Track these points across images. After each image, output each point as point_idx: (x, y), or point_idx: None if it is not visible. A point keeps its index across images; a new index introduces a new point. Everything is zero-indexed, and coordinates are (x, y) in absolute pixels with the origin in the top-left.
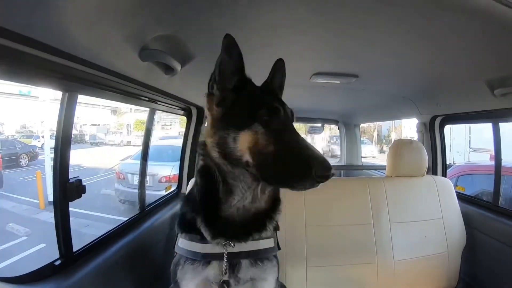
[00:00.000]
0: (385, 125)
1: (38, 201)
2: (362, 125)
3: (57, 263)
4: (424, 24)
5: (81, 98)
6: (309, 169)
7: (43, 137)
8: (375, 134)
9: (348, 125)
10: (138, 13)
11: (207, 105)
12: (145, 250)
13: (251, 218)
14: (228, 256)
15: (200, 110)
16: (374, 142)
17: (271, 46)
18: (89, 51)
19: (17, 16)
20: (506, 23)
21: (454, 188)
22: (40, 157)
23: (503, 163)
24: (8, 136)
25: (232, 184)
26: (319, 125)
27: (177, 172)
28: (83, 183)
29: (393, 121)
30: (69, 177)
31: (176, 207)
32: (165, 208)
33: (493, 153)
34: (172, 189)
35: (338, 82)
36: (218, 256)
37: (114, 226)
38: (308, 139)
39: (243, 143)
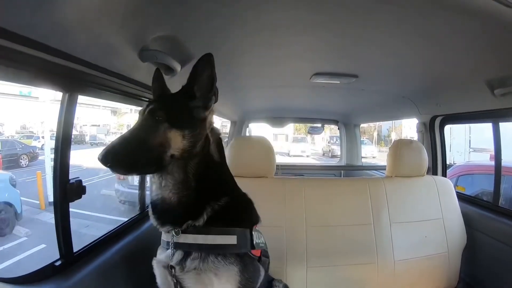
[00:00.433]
0: (385, 125)
1: (38, 202)
2: (362, 125)
3: (58, 263)
4: (424, 24)
5: (81, 98)
6: None
7: (43, 137)
8: (375, 134)
9: (348, 125)
10: (138, 14)
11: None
12: (146, 251)
13: (183, 203)
14: (176, 245)
15: None
16: (374, 142)
17: (271, 46)
18: (89, 52)
19: (17, 17)
20: (506, 23)
21: (454, 188)
22: (40, 157)
23: (503, 163)
24: (8, 137)
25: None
26: (319, 125)
27: None
28: (83, 184)
29: (393, 121)
30: (69, 178)
31: None
32: None
33: (493, 153)
34: None
35: (338, 82)
36: (169, 244)
37: (115, 227)
38: (308, 139)
39: None
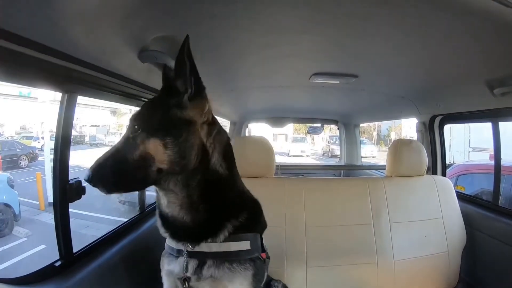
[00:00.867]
0: (385, 124)
1: (38, 202)
2: (362, 125)
3: (57, 264)
4: (424, 24)
5: (81, 99)
6: None
7: (42, 138)
8: (375, 133)
9: (348, 125)
10: (137, 15)
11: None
12: (145, 251)
13: (198, 222)
14: (191, 254)
15: None
16: (374, 142)
17: (270, 46)
18: (89, 53)
19: (17, 18)
20: (506, 23)
21: (454, 188)
22: (40, 158)
23: (503, 163)
24: (8, 137)
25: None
26: (319, 125)
27: None
28: (83, 184)
29: (393, 120)
30: (69, 178)
31: None
32: None
33: (492, 153)
34: None
35: (338, 82)
36: (179, 252)
37: (114, 227)
38: (308, 139)
39: None
